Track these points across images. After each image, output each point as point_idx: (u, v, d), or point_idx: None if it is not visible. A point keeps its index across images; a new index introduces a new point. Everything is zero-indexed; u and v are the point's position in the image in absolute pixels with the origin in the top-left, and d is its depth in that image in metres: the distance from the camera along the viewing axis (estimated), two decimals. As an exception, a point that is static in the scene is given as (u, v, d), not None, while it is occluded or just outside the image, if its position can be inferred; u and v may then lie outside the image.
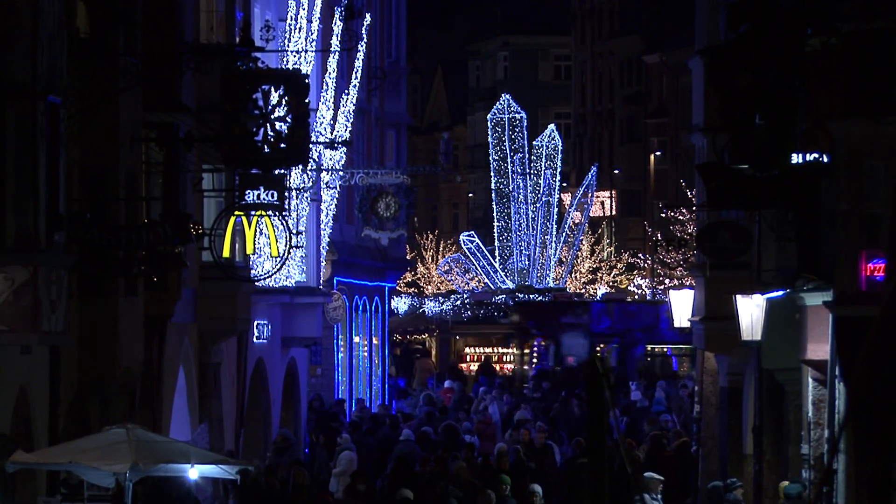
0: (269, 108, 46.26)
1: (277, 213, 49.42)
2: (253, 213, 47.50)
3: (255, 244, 48.24)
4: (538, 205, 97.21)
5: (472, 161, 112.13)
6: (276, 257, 50.63)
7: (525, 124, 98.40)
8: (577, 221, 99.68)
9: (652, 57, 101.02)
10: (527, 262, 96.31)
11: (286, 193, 49.73)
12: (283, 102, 46.57)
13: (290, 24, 53.08)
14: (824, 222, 35.46)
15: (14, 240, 29.78)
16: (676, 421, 58.82)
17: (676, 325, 64.42)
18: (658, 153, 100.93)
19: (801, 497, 36.95)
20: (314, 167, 53.77)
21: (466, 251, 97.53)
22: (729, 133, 40.78)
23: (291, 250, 52.29)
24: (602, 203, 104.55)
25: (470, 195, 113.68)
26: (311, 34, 54.20)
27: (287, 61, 50.72)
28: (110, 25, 35.85)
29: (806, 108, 35.64)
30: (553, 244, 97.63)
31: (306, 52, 53.56)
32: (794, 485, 38.56)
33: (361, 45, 59.06)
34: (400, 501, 34.71)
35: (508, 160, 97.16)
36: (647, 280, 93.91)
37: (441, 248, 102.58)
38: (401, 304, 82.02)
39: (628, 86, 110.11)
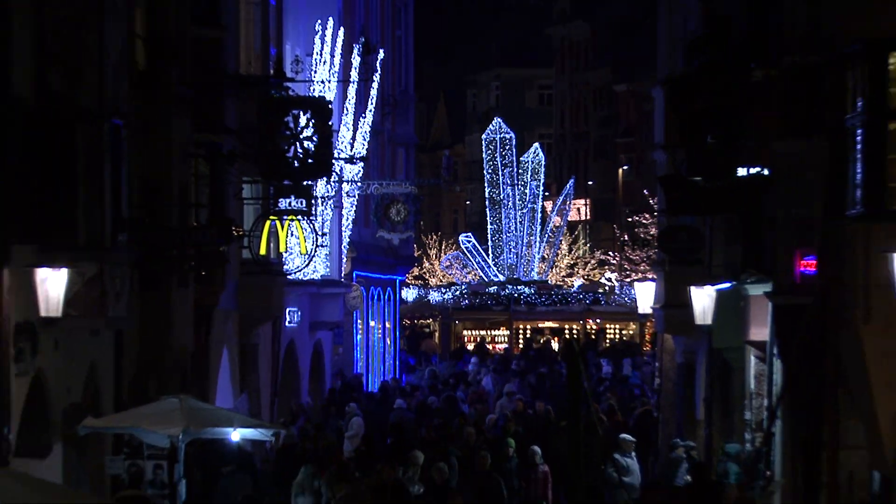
0: (299, 129, 46.42)
1: (306, 218, 49.62)
2: (285, 217, 47.64)
3: (286, 244, 48.29)
4: (524, 211, 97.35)
5: (469, 174, 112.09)
6: (304, 255, 50.85)
7: (513, 143, 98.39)
8: (557, 225, 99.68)
9: (621, 86, 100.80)
10: (515, 259, 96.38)
11: (313, 201, 49.80)
12: (310, 125, 46.71)
13: (315, 59, 53.02)
14: (765, 226, 35.51)
15: (85, 240, 29.75)
16: (647, 391, 58.99)
17: (640, 311, 65.15)
18: (625, 167, 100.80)
19: (738, 455, 37.32)
20: (336, 179, 53.74)
21: (464, 249, 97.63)
22: (685, 150, 41.04)
23: (317, 249, 52.43)
24: (578, 209, 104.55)
25: (467, 203, 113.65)
26: (334, 67, 54.16)
27: (313, 90, 50.65)
28: (164, 59, 35.87)
29: (750, 129, 35.65)
30: (537, 244, 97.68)
31: (329, 82, 53.58)
32: (733, 445, 39.43)
33: (376, 77, 58.96)
34: (411, 462, 34.67)
35: (499, 173, 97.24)
36: (615, 274, 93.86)
37: (443, 247, 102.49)
38: (409, 294, 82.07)
39: (601, 111, 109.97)
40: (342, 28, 55.88)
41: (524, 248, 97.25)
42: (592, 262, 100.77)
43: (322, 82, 52.94)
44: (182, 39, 37.34)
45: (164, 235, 35.81)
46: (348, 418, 47.36)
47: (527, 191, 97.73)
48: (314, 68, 52.69)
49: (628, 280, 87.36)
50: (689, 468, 36.96)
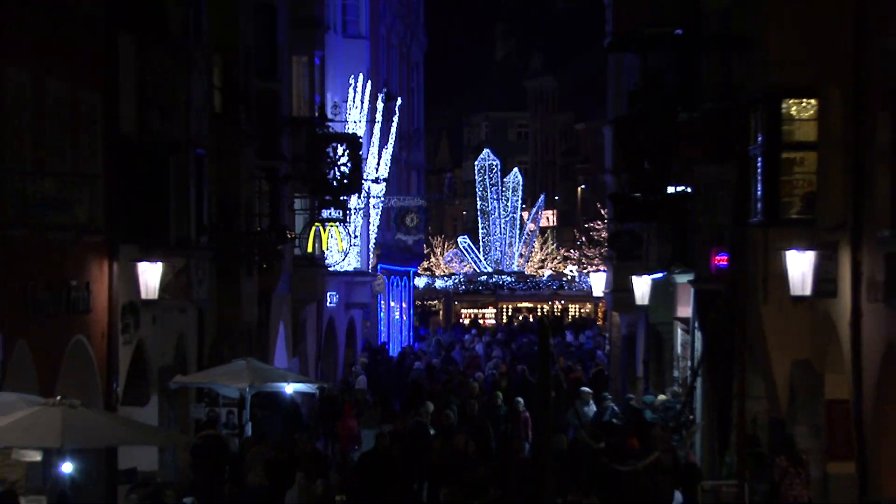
0: (337, 157, 46.59)
1: (342, 224, 49.79)
2: (326, 224, 47.78)
3: (327, 244, 48.29)
4: (507, 219, 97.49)
5: (465, 191, 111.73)
6: (341, 252, 50.86)
7: (499, 168, 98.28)
8: (531, 229, 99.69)
9: (580, 125, 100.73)
10: (500, 255, 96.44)
11: (347, 211, 49.84)
12: (345, 154, 46.88)
13: (349, 104, 52.98)
14: (688, 230, 35.59)
15: (175, 241, 29.89)
16: (603, 355, 59.03)
17: (594, 294, 66.35)
18: (583, 187, 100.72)
19: (653, 404, 37.69)
20: (365, 195, 53.71)
21: (462, 248, 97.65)
22: (628, 173, 41.03)
23: (351, 248, 52.49)
24: (547, 218, 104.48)
25: (464, 212, 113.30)
26: (363, 111, 54.12)
27: (348, 128, 50.63)
28: (234, 105, 35.91)
29: (677, 157, 35.62)
30: (516, 244, 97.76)
31: (359, 122, 53.57)
32: (649, 396, 39.88)
33: (395, 118, 58.85)
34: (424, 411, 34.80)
35: (488, 191, 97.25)
36: (575, 266, 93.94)
37: (445, 246, 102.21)
38: (420, 282, 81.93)
39: (564, 144, 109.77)
40: (370, 81, 55.73)
41: (507, 247, 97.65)
42: (558, 257, 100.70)
43: (354, 122, 52.90)
44: (248, 89, 37.38)
45: (235, 238, 35.91)
46: (355, 376, 47.74)
47: (508, 204, 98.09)
48: (348, 111, 52.62)
49: (585, 271, 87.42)
50: (623, 411, 37.19)
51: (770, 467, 22.63)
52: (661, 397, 39.43)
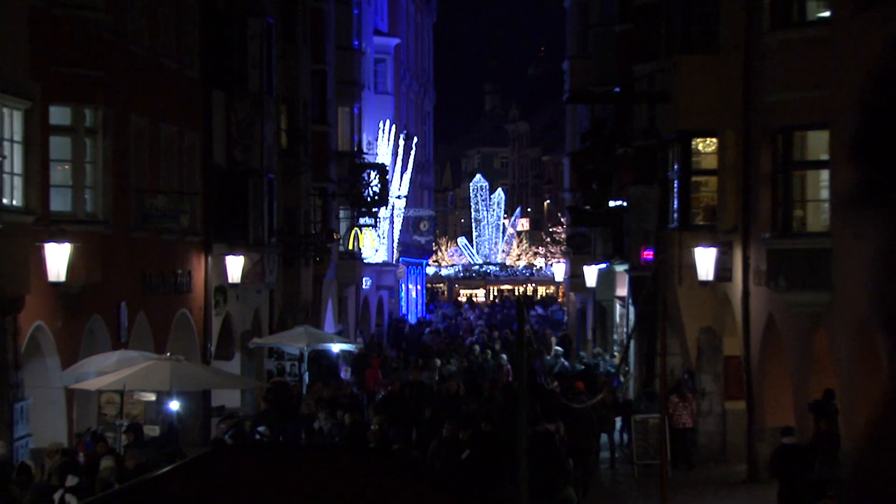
0: (370, 180, 46.60)
1: (374, 229, 49.96)
2: (362, 228, 47.88)
3: (363, 243, 48.44)
4: (493, 225, 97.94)
5: (464, 205, 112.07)
6: (373, 249, 51.00)
7: (487, 188, 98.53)
8: (511, 233, 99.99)
9: (546, 157, 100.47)
10: (488, 251, 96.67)
11: (377, 220, 49.96)
12: (376, 178, 46.86)
13: (379, 142, 52.96)
14: (624, 233, 35.51)
15: (252, 240, 29.81)
16: (565, 323, 59.23)
17: (556, 279, 66.92)
18: (548, 201, 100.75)
19: (582, 359, 38.94)
20: (390, 207, 53.68)
21: (461, 246, 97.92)
22: (581, 192, 41.10)
23: (380, 246, 52.60)
24: (522, 224, 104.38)
25: (462, 220, 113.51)
26: (389, 145, 54.10)
27: (378, 159, 50.62)
28: (296, 142, 35.88)
29: (616, 180, 35.60)
30: (500, 243, 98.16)
31: (387, 154, 53.62)
32: (583, 353, 41.69)
33: (412, 151, 58.82)
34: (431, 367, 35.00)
35: (479, 205, 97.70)
36: (543, 259, 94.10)
37: (448, 245, 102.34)
38: (430, 270, 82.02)
39: (534, 171, 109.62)
40: (393, 125, 55.70)
41: (493, 245, 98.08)
42: (530, 253, 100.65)
43: (383, 154, 52.89)
44: (306, 131, 37.35)
45: (296, 238, 35.89)
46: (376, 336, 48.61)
47: (494, 214, 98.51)
48: (378, 147, 52.62)
49: (550, 263, 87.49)
50: (572, 365, 37.47)
51: (664, 402, 22.65)
52: (582, 354, 41.93)
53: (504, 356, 37.74)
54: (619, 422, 27.67)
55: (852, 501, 0.44)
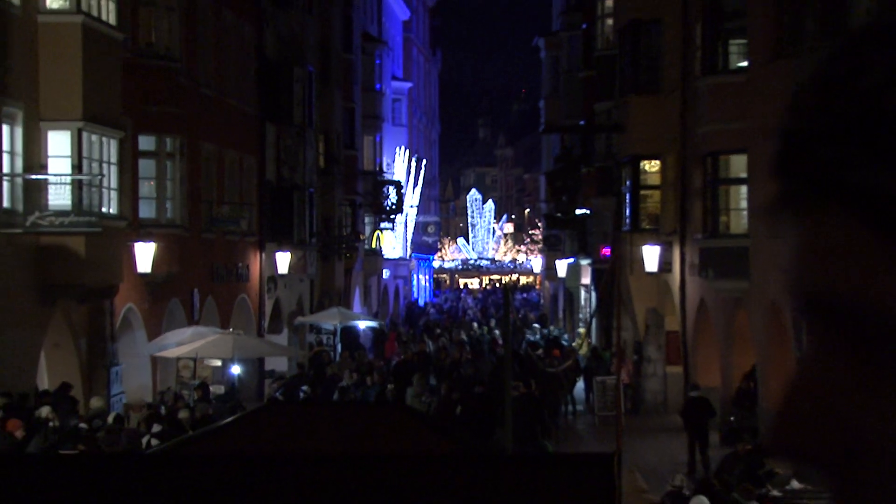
0: (388, 194, 46.39)
1: (392, 231, 49.80)
2: (383, 230, 47.73)
3: (384, 242, 48.33)
4: (485, 229, 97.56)
5: (462, 213, 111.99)
6: (391, 247, 50.85)
7: (480, 200, 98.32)
8: (499, 235, 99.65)
9: (527, 175, 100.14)
10: (482, 249, 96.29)
11: (394, 224, 49.88)
12: (393, 192, 46.69)
13: (395, 162, 52.87)
14: (587, 234, 35.43)
15: (297, 240, 29.77)
16: (540, 306, 59.03)
17: (535, 271, 66.48)
18: (528, 210, 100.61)
19: (539, 330, 38.80)
20: (405, 215, 53.55)
21: (460, 245, 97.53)
22: (554, 202, 40.97)
23: (396, 244, 52.48)
24: (508, 227, 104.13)
25: (461, 225, 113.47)
26: (403, 166, 54.05)
27: (395, 177, 50.50)
28: (331, 163, 35.84)
29: (582, 193, 35.50)
30: (490, 242, 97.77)
31: (403, 173, 53.54)
32: (533, 328, 40.51)
33: (421, 171, 58.74)
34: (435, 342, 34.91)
35: (475, 212, 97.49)
36: (524, 255, 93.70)
37: (450, 244, 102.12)
38: (436, 264, 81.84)
39: (517, 186, 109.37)
40: (407, 150, 55.70)
41: (485, 244, 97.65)
42: (514, 250, 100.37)
43: (399, 173, 52.85)
44: (338, 155, 37.32)
45: (331, 239, 35.81)
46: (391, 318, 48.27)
47: (486, 220, 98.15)
48: (395, 167, 52.57)
49: (529, 258, 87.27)
50: (546, 337, 37.28)
51: (618, 365, 22.65)
52: (534, 327, 41.36)
53: (497, 331, 37.68)
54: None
55: (769, 448, 0.46)
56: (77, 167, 17.85)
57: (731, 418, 20.27)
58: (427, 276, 71.12)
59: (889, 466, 0.47)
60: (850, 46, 0.49)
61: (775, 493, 13.65)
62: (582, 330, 37.66)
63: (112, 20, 18.87)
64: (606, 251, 30.75)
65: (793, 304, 0.49)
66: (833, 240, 0.49)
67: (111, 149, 19.05)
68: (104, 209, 18.55)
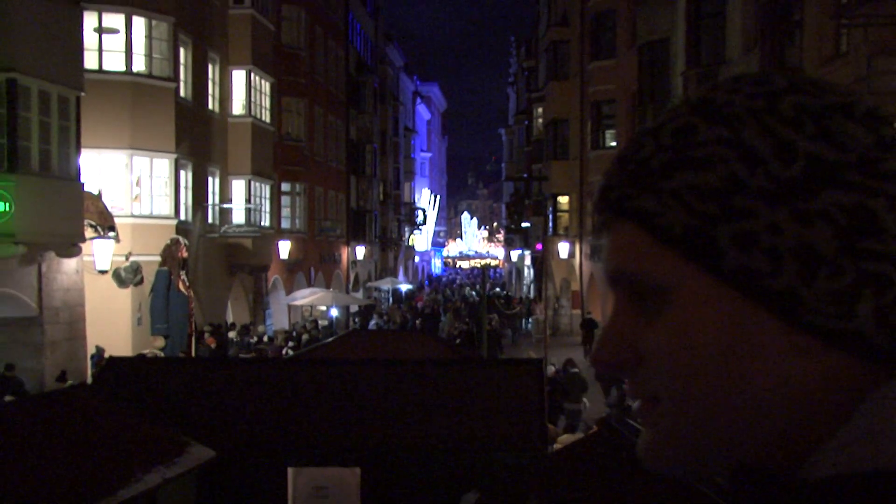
0: (418, 214, 45.82)
1: (420, 235, 49.17)
2: (415, 234, 47.06)
3: (416, 241, 47.75)
4: (472, 234, 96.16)
5: (459, 225, 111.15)
6: (420, 244, 50.10)
7: (470, 219, 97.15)
8: (479, 237, 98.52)
9: (495, 204, 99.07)
10: (470, 245, 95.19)
11: (422, 231, 49.26)
12: (422, 214, 46.10)
13: (422, 199, 52.23)
14: (529, 237, 34.81)
15: (368, 240, 28.90)
16: (502, 277, 58.26)
17: (500, 257, 64.00)
18: (496, 224, 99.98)
19: (498, 293, 37.00)
20: (428, 226, 52.87)
21: (458, 243, 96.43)
22: (510, 221, 40.13)
23: (423, 242, 51.79)
24: (484, 234, 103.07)
25: (458, 231, 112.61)
26: (427, 200, 53.46)
27: (422, 206, 49.93)
28: (387, 198, 35.25)
29: (526, 216, 34.96)
30: (474, 241, 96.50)
31: (426, 201, 52.90)
32: (499, 290, 39.44)
33: (437, 202, 58.28)
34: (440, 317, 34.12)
35: (466, 226, 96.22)
36: (494, 248, 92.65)
37: (451, 242, 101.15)
38: (445, 253, 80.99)
39: (490, 211, 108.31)
40: (430, 191, 55.29)
41: (472, 243, 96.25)
42: (488, 246, 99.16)
43: (424, 203, 52.19)
44: (391, 192, 36.59)
45: (385, 240, 35.03)
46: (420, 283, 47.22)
47: (472, 230, 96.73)
48: (422, 201, 51.97)
49: (496, 250, 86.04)
50: (506, 295, 36.46)
51: (545, 310, 22.31)
52: (510, 291, 40.03)
53: (473, 293, 37.33)
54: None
55: (595, 358, 0.48)
56: (247, 200, 17.85)
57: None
58: (440, 260, 70.57)
59: (655, 367, 0.47)
60: (634, 138, 0.50)
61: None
62: (525, 291, 37.30)
63: (268, 119, 18.85)
64: (539, 246, 30.38)
65: (605, 280, 0.49)
66: (622, 241, 0.49)
67: (266, 190, 19.06)
68: (262, 223, 18.58)
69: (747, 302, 0.43)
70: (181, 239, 13.60)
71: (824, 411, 0.43)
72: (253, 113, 17.85)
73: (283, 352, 14.33)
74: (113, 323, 12.44)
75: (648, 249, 0.47)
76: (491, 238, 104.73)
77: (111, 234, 11.73)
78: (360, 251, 29.05)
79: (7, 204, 8.90)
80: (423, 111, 55.96)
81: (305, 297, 20.71)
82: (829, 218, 0.42)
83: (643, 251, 0.47)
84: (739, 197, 0.43)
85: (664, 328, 0.46)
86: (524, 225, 36.62)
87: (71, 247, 10.53)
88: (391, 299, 30.32)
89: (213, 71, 16.54)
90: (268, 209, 19.04)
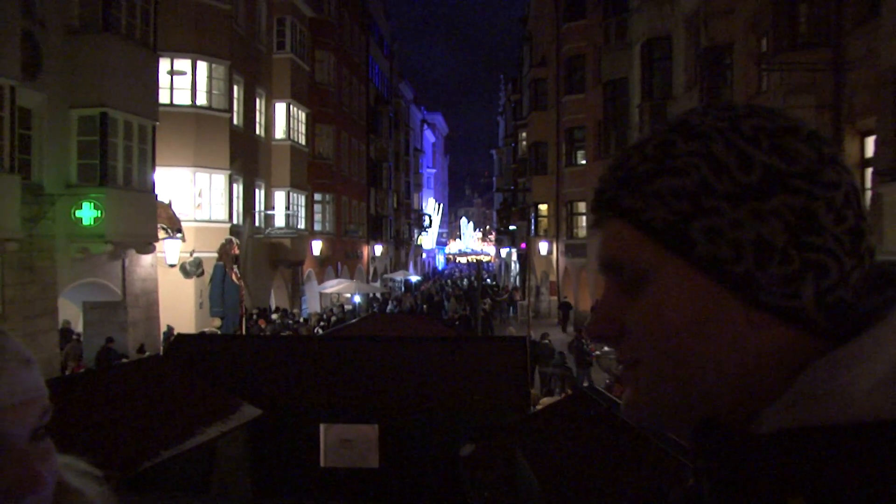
0: (425, 220, 45.41)
1: (427, 235, 48.76)
2: (423, 234, 46.66)
3: (424, 241, 47.36)
4: (469, 235, 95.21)
5: (458, 228, 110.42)
6: (427, 243, 49.64)
7: (467, 224, 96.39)
8: (475, 238, 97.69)
9: (488, 211, 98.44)
10: (467, 244, 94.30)
11: (428, 233, 48.87)
12: (429, 219, 45.74)
13: (429, 207, 51.96)
14: (515, 237, 34.42)
15: (384, 240, 28.74)
16: (492, 270, 57.72)
17: (492, 254, 62.59)
18: (488, 227, 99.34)
19: (493, 284, 35.53)
20: (434, 230, 52.58)
21: (457, 242, 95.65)
22: (500, 225, 39.67)
23: (430, 242, 51.38)
24: (479, 235, 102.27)
25: (457, 233, 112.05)
26: (433, 207, 53.17)
27: (428, 210, 49.61)
28: (399, 207, 34.93)
29: (513, 221, 34.53)
30: (470, 241, 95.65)
31: (433, 209, 52.61)
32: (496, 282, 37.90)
33: (441, 209, 57.99)
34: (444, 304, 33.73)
35: (464, 229, 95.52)
36: (487, 247, 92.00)
37: (452, 241, 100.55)
38: (447, 250, 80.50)
39: (484, 216, 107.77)
40: (434, 200, 54.97)
41: (469, 242, 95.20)
42: (483, 244, 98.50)
43: (431, 210, 51.83)
44: (403, 201, 36.24)
45: (399, 240, 34.66)
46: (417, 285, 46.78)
47: (469, 231, 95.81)
48: (428, 208, 51.65)
49: (489, 248, 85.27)
50: (497, 285, 36.08)
51: (528, 297, 22.18)
52: (500, 281, 38.69)
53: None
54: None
55: (589, 333, 0.48)
56: (287, 207, 17.84)
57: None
58: (443, 256, 70.12)
59: (637, 336, 0.47)
60: (623, 151, 0.50)
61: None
62: (511, 282, 36.90)
63: (303, 142, 18.84)
64: (523, 245, 30.10)
65: (598, 267, 0.49)
66: (613, 234, 0.48)
67: (302, 199, 19.03)
68: (298, 226, 18.57)
69: (713, 283, 0.45)
70: (234, 239, 13.64)
71: (774, 376, 0.44)
72: (291, 137, 18.00)
73: (315, 330, 14.30)
74: (180, 307, 12.87)
75: (634, 240, 0.47)
76: (484, 238, 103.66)
77: (178, 235, 12.31)
78: (378, 249, 28.88)
79: (100, 211, 9.66)
80: (429, 135, 55.80)
81: (333, 286, 20.60)
82: (780, 216, 0.44)
83: (630, 242, 0.47)
84: (708, 198, 0.45)
85: (645, 304, 0.46)
86: (511, 227, 36.20)
87: (147, 245, 11.13)
88: (403, 288, 30.17)
89: (260, 103, 16.86)
90: (303, 215, 19.04)
